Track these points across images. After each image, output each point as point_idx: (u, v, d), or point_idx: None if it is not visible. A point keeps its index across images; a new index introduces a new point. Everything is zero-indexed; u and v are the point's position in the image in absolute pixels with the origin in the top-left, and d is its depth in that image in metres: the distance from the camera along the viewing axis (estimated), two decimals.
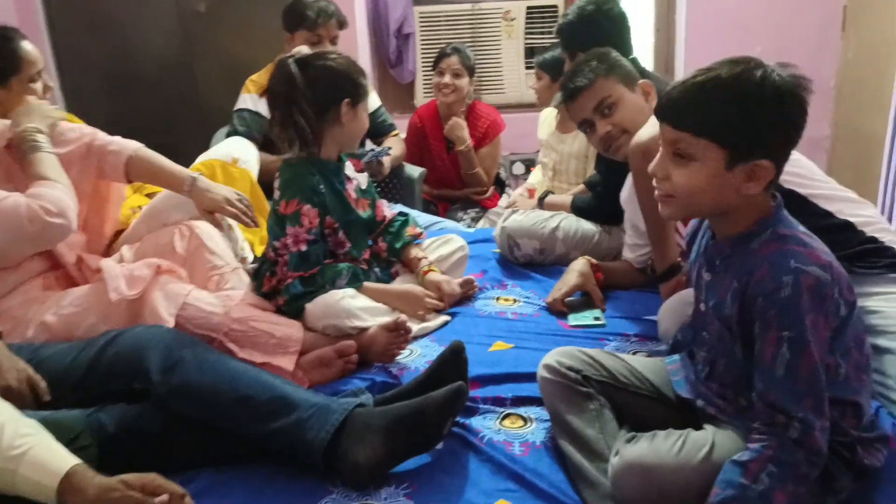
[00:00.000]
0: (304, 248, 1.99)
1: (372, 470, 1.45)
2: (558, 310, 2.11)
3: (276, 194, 2.06)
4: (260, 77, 2.95)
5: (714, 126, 1.25)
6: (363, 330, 1.93)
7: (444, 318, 2.11)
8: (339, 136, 2.07)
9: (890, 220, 2.84)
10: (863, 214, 1.71)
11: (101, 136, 2.11)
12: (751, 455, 1.22)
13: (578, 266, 2.17)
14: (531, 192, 2.92)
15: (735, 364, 1.36)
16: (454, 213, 3.38)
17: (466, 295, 2.23)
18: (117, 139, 2.13)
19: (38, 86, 2.08)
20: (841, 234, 1.65)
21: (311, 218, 2.00)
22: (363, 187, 2.21)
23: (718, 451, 1.31)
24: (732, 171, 1.26)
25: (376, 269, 2.20)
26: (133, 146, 2.12)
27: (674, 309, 1.82)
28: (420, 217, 2.90)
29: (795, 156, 1.54)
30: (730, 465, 1.24)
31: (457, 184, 3.47)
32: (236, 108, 2.96)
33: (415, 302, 2.09)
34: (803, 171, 1.71)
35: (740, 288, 1.29)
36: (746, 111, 1.23)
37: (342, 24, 2.94)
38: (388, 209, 2.30)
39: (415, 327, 1.99)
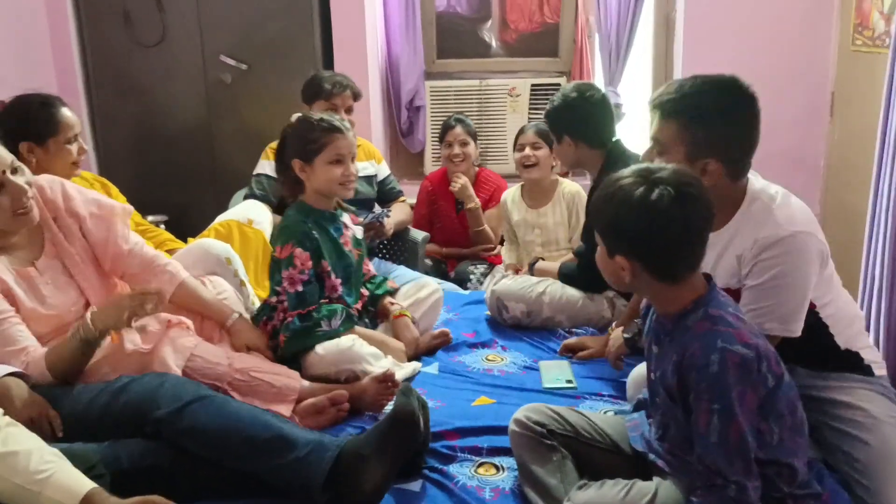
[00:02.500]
0: (300, 288, 2.19)
1: (377, 492, 1.63)
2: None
3: (273, 241, 2.28)
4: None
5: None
6: (357, 378, 2.11)
7: (415, 364, 2.30)
8: (314, 188, 2.29)
9: (871, 291, 2.97)
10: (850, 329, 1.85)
11: (150, 250, 2.23)
12: None
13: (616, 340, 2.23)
14: (517, 270, 3.08)
15: (682, 428, 1.51)
16: (463, 268, 3.53)
17: (440, 344, 2.43)
18: (170, 261, 2.23)
19: (74, 147, 2.37)
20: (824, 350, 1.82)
21: (304, 260, 2.20)
22: (358, 237, 2.42)
23: (660, 499, 1.46)
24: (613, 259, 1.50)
25: (366, 319, 2.40)
26: (184, 273, 2.21)
27: (640, 376, 1.97)
28: (422, 279, 3.09)
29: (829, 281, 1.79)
30: None
31: (465, 242, 3.65)
32: (255, 172, 3.18)
33: (394, 351, 2.30)
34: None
35: (677, 361, 1.45)
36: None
37: (356, 95, 3.16)
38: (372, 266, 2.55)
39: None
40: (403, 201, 3.45)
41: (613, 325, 2.39)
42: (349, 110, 3.11)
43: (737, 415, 1.36)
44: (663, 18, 4.04)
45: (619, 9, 3.88)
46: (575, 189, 3.12)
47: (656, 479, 1.52)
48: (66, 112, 2.37)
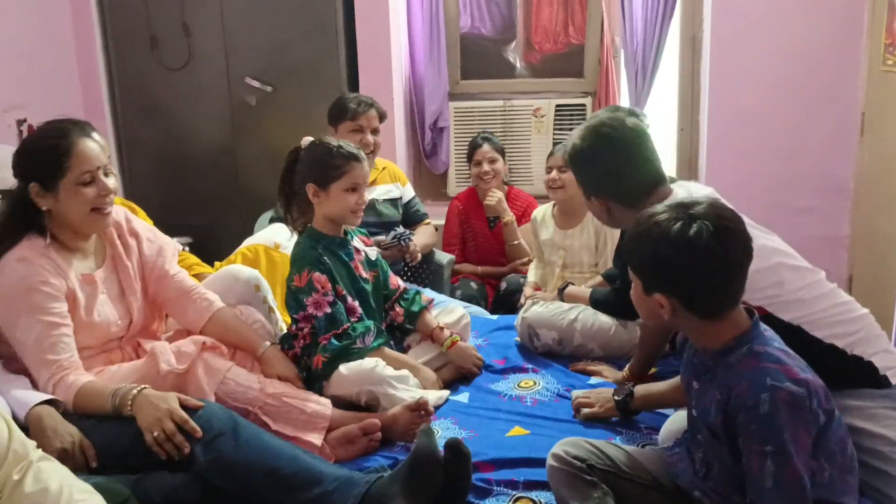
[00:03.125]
0: (328, 309, 2.17)
1: None
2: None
3: (289, 272, 2.26)
4: None
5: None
6: (377, 401, 2.09)
7: (443, 392, 2.26)
8: (326, 214, 2.26)
9: None
10: (849, 331, 1.76)
11: (191, 280, 2.24)
12: None
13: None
14: (537, 288, 3.06)
15: (727, 467, 1.46)
16: (514, 279, 3.44)
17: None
18: (209, 292, 2.22)
19: (91, 191, 1.93)
20: (827, 359, 1.69)
21: (323, 283, 2.18)
22: (372, 258, 2.39)
23: None
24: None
25: (391, 341, 2.36)
26: (220, 303, 2.21)
27: (674, 429, 1.87)
28: (449, 303, 3.06)
29: (774, 274, 1.71)
30: None
31: (501, 259, 3.64)
32: None
33: (423, 378, 2.27)
34: (784, 291, 1.76)
35: (722, 400, 1.41)
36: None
37: (382, 116, 3.14)
38: (400, 280, 2.49)
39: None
40: (428, 223, 3.43)
41: (626, 368, 2.34)
42: (375, 131, 3.09)
43: (791, 456, 1.31)
44: (690, 38, 4.01)
45: (646, 29, 3.85)
46: None
47: None
48: (85, 145, 1.92)
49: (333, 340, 2.16)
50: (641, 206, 1.84)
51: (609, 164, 1.93)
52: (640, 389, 2.04)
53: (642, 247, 1.45)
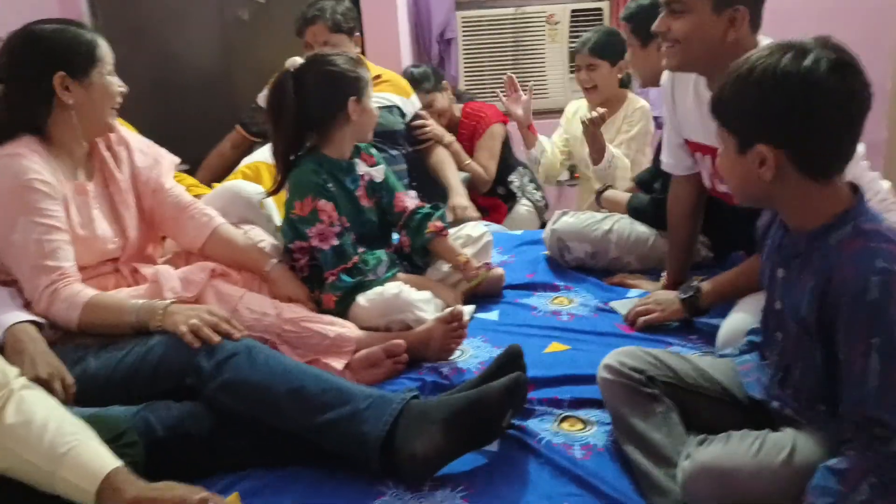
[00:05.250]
0: (335, 242, 1.96)
1: (429, 462, 1.39)
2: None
3: (287, 196, 2.03)
4: None
5: None
6: (409, 328, 1.88)
7: (470, 307, 2.07)
8: (350, 133, 2.06)
9: None
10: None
11: (189, 196, 2.05)
12: (849, 463, 1.14)
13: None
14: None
15: (813, 370, 1.27)
16: None
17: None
18: (209, 208, 2.05)
19: (116, 80, 1.88)
20: None
21: (330, 212, 1.97)
22: (377, 180, 2.14)
23: (800, 454, 1.23)
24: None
25: (405, 263, 2.15)
26: (220, 219, 2.03)
27: (734, 331, 1.70)
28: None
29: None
30: (825, 472, 1.15)
31: None
32: None
33: (445, 295, 2.06)
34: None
35: (820, 288, 1.20)
36: None
37: (337, 26, 2.82)
38: (412, 199, 2.20)
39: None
40: (434, 146, 3.17)
41: (662, 278, 2.14)
42: (327, 44, 2.77)
43: None
44: None
45: None
46: (639, 104, 2.84)
47: (789, 431, 1.28)
48: (100, 39, 1.85)
49: (343, 276, 1.95)
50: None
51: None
52: (707, 283, 1.85)
53: (742, 90, 1.21)
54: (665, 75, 2.01)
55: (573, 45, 3.84)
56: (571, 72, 3.87)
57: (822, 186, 1.22)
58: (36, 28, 1.79)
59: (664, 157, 2.10)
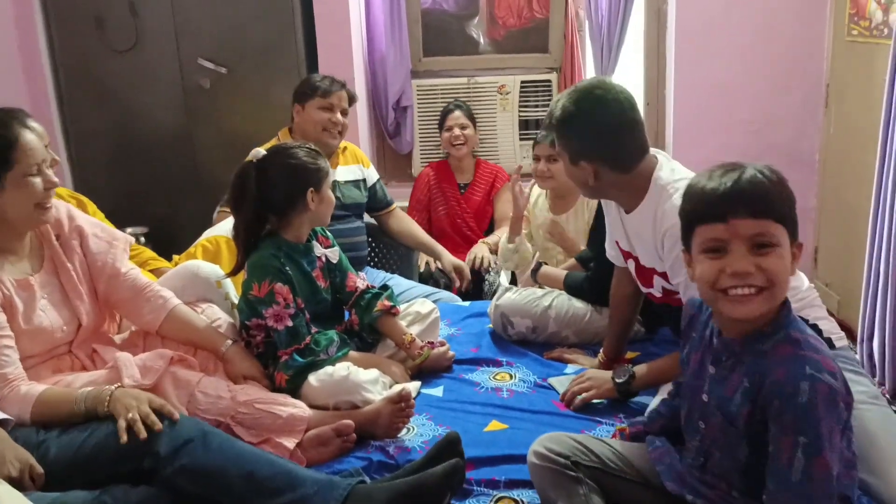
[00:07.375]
0: (289, 323, 2.08)
1: None
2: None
3: (245, 276, 2.15)
4: None
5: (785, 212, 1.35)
6: (356, 408, 1.99)
7: (416, 383, 2.19)
8: (308, 220, 2.18)
9: (876, 287, 2.91)
10: (799, 296, 1.80)
11: (145, 279, 2.12)
12: None
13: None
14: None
15: (733, 459, 1.40)
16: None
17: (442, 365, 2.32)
18: (163, 289, 2.11)
19: (38, 181, 1.84)
20: None
21: (285, 295, 2.08)
22: (333, 261, 2.28)
23: None
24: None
25: (356, 339, 2.28)
26: (175, 300, 2.10)
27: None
28: (416, 289, 2.98)
29: None
30: None
31: (470, 223, 3.65)
32: None
33: (393, 373, 2.19)
34: None
35: (752, 389, 1.33)
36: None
37: (352, 98, 3.05)
38: (362, 281, 2.34)
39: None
40: (394, 209, 3.32)
41: (600, 353, 2.29)
42: (344, 113, 3.00)
43: (824, 450, 1.25)
44: (655, 11, 3.94)
45: (610, 2, 3.77)
46: None
47: None
48: (27, 136, 1.81)
49: (296, 356, 2.06)
50: (633, 172, 1.90)
51: (604, 125, 1.87)
52: (640, 368, 2.00)
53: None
54: None
55: (523, 113, 4.05)
56: (521, 139, 4.08)
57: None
58: None
59: (608, 248, 2.23)
